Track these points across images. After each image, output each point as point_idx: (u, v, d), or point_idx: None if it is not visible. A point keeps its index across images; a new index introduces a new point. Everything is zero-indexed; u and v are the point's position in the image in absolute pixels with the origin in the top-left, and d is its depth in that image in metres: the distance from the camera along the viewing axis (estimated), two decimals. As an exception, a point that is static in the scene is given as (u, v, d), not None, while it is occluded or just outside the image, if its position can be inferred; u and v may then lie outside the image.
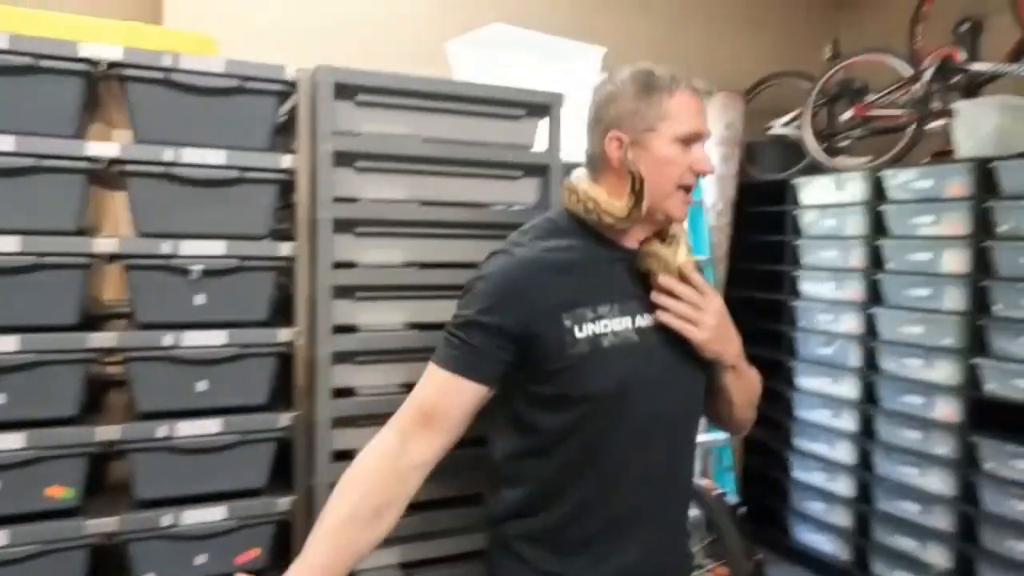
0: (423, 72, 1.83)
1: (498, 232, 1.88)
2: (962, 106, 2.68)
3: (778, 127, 3.63)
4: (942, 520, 2.71)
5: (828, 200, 3.21)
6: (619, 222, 1.23)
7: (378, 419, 1.77)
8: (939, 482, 2.72)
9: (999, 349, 2.54)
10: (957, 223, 2.67)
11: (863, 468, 3.01)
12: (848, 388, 3.09)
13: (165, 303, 1.62)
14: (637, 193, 1.19)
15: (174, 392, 1.62)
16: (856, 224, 3.06)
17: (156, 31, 2.01)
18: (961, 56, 2.97)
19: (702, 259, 3.16)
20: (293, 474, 1.74)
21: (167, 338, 1.60)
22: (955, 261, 2.69)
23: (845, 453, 3.10)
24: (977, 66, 2.93)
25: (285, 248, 1.70)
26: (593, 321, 1.19)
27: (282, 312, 1.80)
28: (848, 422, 3.09)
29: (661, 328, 1.23)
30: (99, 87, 1.64)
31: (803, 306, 3.31)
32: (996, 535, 2.52)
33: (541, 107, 1.93)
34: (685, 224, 1.33)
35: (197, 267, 1.62)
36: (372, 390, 1.78)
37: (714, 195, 3.46)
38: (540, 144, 1.96)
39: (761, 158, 3.69)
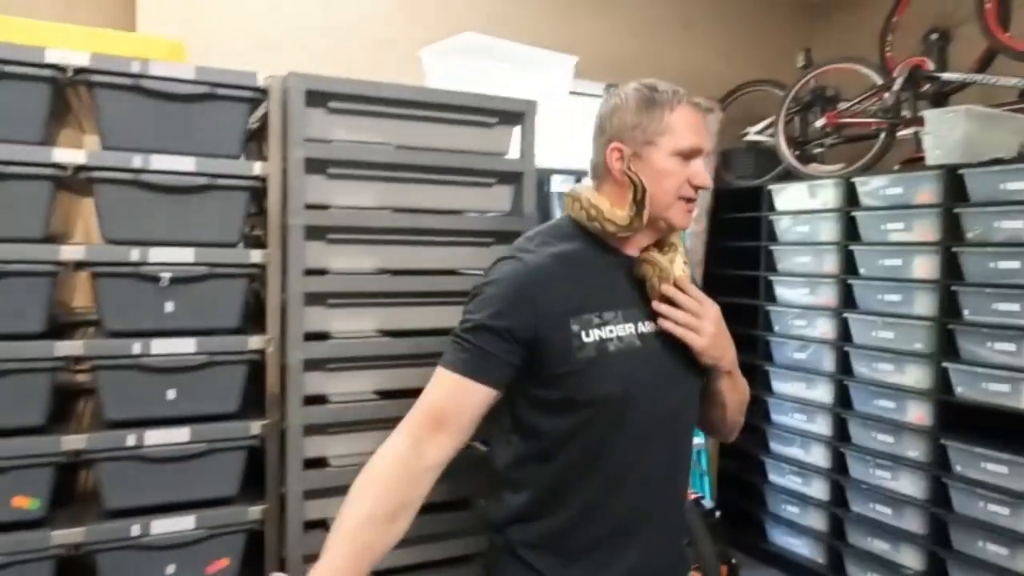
0: (396, 79, 1.82)
1: (471, 239, 1.90)
2: (931, 115, 2.72)
3: (753, 134, 3.67)
4: (914, 522, 2.74)
5: (802, 206, 3.24)
6: (621, 230, 1.26)
7: (350, 426, 1.79)
8: (911, 485, 2.75)
9: (968, 353, 2.58)
10: (927, 229, 2.71)
11: (837, 471, 3.04)
12: (822, 392, 3.12)
13: (134, 311, 1.61)
14: (639, 203, 1.22)
15: (143, 400, 1.61)
16: (829, 230, 3.10)
17: (125, 37, 2.00)
18: (930, 65, 3.02)
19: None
20: (265, 482, 1.73)
21: (136, 346, 1.59)
22: (925, 267, 2.72)
23: (819, 457, 3.13)
24: (946, 75, 2.99)
25: (256, 255, 1.69)
26: (599, 327, 1.22)
27: (254, 319, 1.79)
28: (822, 426, 3.12)
29: (661, 334, 1.26)
30: (67, 93, 1.63)
31: (778, 311, 3.35)
32: (967, 537, 2.55)
33: (514, 115, 1.94)
34: (680, 233, 1.36)
35: (166, 275, 1.61)
36: (344, 397, 1.78)
37: (690, 201, 3.48)
38: (513, 151, 1.97)
39: (736, 165, 3.73)
